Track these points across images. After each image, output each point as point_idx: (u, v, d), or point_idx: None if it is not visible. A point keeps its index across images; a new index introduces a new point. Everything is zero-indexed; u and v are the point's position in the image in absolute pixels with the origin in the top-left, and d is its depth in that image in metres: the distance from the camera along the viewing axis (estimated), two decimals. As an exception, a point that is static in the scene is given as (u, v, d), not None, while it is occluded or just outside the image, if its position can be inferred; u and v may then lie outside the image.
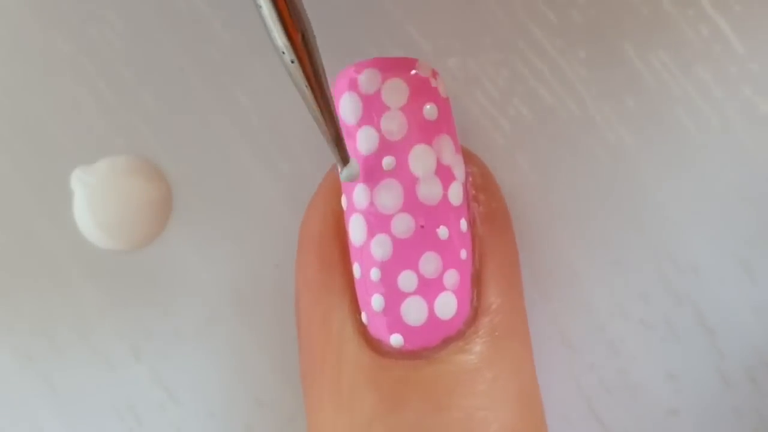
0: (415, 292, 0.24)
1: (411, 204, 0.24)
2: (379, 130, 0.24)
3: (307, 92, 0.22)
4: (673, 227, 0.27)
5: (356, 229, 0.24)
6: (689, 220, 0.27)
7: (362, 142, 0.24)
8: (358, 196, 0.24)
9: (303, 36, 0.22)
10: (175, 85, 0.27)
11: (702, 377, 0.27)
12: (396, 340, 0.24)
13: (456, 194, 0.24)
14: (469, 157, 0.25)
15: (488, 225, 0.25)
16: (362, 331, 0.24)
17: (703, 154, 0.27)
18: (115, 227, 0.27)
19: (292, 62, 0.22)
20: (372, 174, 0.24)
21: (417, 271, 0.24)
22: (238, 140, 0.27)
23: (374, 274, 0.24)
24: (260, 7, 0.22)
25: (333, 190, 0.25)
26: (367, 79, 0.24)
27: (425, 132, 0.24)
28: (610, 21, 0.26)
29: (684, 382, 0.27)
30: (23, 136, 0.27)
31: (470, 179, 0.25)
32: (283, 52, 0.22)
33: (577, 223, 0.27)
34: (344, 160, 0.23)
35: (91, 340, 0.27)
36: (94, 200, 0.27)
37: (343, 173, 0.24)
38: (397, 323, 0.24)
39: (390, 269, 0.24)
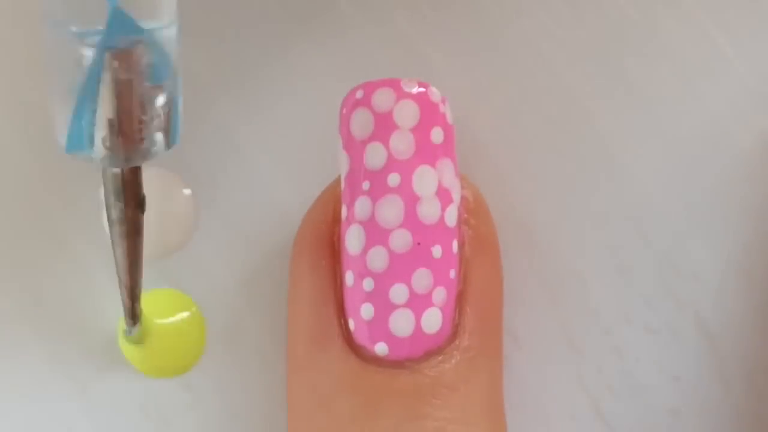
0: (404, 305, 0.24)
1: (411, 221, 0.24)
2: (387, 147, 0.24)
3: (123, 262, 0.24)
4: (675, 236, 0.27)
5: (354, 239, 0.24)
6: (690, 228, 0.27)
7: (370, 157, 0.24)
8: (360, 207, 0.24)
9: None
10: (201, 98, 0.27)
11: (703, 379, 0.27)
12: (381, 348, 0.24)
13: (452, 216, 0.24)
14: (464, 182, 0.25)
15: (475, 248, 0.25)
16: (346, 336, 0.24)
17: (704, 164, 0.27)
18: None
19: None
20: (376, 189, 0.24)
21: (409, 285, 0.24)
22: (263, 151, 0.27)
23: (367, 283, 0.24)
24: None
25: (332, 199, 0.25)
26: (381, 97, 0.24)
27: (430, 154, 0.24)
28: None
29: (685, 383, 0.27)
30: (55, 148, 0.27)
31: (463, 203, 0.25)
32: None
33: (584, 233, 0.27)
34: (133, 320, 0.25)
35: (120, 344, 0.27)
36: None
37: (130, 331, 0.26)
38: (384, 333, 0.24)
39: (383, 281, 0.24)
